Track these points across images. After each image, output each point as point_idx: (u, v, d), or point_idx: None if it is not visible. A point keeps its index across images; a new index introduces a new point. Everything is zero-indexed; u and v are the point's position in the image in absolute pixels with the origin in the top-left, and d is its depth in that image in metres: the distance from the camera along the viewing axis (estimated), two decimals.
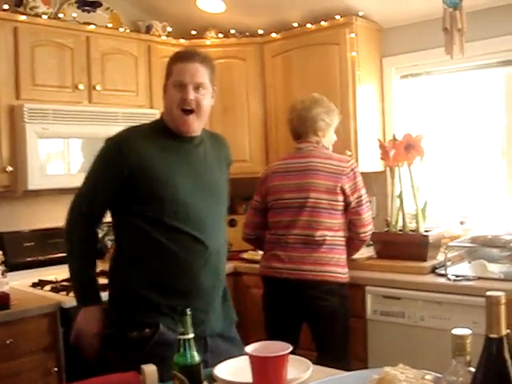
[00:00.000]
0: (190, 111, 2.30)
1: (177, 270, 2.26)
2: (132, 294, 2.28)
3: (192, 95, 2.28)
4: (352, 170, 3.11)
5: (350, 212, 3.12)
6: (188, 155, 2.38)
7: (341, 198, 3.07)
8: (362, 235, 3.17)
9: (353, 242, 3.22)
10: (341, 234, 3.13)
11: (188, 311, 1.44)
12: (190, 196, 2.29)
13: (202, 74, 2.31)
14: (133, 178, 2.25)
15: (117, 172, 2.27)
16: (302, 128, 3.21)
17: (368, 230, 3.17)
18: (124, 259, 2.36)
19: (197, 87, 2.30)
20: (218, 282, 2.38)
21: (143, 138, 2.34)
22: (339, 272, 3.08)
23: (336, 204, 3.07)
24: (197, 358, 1.45)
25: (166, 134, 2.35)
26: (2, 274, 3.30)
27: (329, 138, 3.27)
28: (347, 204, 3.10)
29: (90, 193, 2.37)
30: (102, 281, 2.60)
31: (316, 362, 1.84)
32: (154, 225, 2.25)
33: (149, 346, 2.20)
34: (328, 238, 3.06)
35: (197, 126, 2.35)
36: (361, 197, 3.12)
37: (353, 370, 1.75)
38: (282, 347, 1.54)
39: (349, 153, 3.78)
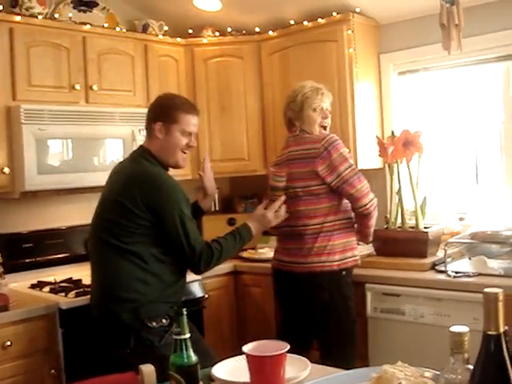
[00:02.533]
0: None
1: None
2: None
3: (195, 143, 2.85)
4: (326, 148, 2.99)
5: (340, 191, 3.01)
6: None
7: (314, 182, 2.99)
8: (363, 209, 3.01)
9: (360, 220, 3.10)
10: (330, 218, 3.02)
11: (184, 311, 1.43)
12: None
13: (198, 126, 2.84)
14: None
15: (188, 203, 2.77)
16: (292, 120, 3.21)
17: (366, 201, 2.99)
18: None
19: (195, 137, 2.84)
20: None
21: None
22: (328, 261, 2.98)
23: (313, 190, 3.01)
24: (193, 358, 1.44)
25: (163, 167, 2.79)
26: (1, 276, 3.30)
27: (307, 122, 3.15)
28: (328, 186, 2.99)
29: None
30: None
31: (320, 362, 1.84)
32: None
33: (168, 334, 2.48)
34: (310, 226, 3.01)
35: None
36: (342, 172, 2.97)
37: (352, 369, 1.74)
38: (279, 346, 1.53)
39: (347, 150, 3.76)
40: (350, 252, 3.07)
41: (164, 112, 2.74)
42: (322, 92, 3.18)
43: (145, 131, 2.84)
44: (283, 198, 2.98)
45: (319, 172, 2.98)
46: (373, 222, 3.13)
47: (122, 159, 3.10)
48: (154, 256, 2.61)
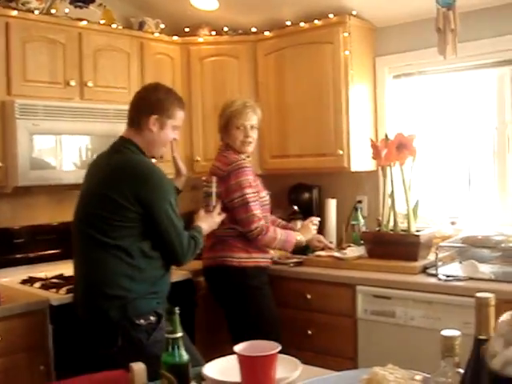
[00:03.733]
0: None
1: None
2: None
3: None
4: (229, 173, 3.25)
5: (231, 212, 3.26)
6: None
7: (223, 198, 3.23)
8: (248, 234, 3.26)
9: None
10: (229, 226, 3.27)
11: (176, 310, 1.43)
12: None
13: None
14: None
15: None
16: (220, 131, 3.49)
17: (248, 230, 3.24)
18: None
19: None
20: None
21: None
22: (232, 257, 3.28)
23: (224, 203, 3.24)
24: (185, 357, 1.44)
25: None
26: None
27: (230, 138, 3.40)
28: (225, 204, 3.23)
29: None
30: None
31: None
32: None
33: (156, 332, 2.52)
34: (217, 230, 3.20)
35: None
36: (234, 199, 3.24)
37: (342, 370, 1.74)
38: (270, 346, 1.53)
39: (340, 152, 3.78)
40: (247, 254, 3.32)
41: (161, 106, 2.74)
42: (248, 111, 3.39)
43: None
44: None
45: (222, 191, 3.23)
46: (263, 243, 3.33)
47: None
48: (141, 250, 2.58)
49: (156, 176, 2.63)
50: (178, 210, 2.71)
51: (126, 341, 2.51)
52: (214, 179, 3.13)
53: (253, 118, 3.39)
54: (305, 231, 3.53)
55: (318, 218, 3.65)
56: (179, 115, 2.80)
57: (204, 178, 3.20)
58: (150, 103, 2.75)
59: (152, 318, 2.56)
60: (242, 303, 3.29)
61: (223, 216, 3.14)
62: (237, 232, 3.28)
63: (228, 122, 3.38)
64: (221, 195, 3.20)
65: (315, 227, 3.59)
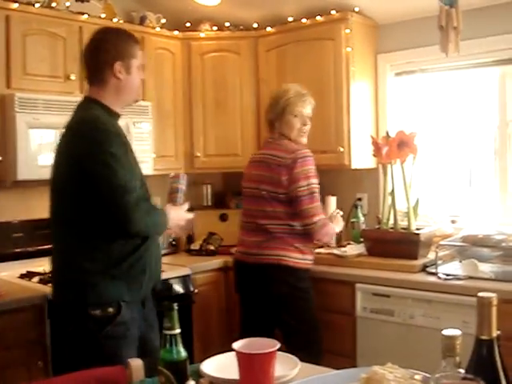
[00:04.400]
0: None
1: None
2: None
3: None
4: (293, 161, 3.11)
5: (292, 203, 3.13)
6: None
7: (280, 190, 3.13)
8: (305, 227, 3.14)
9: (307, 233, 3.19)
10: (284, 222, 3.15)
11: (175, 306, 1.42)
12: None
13: None
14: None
15: (127, 146, 2.44)
16: (272, 121, 3.32)
17: (308, 222, 3.12)
18: None
19: None
20: None
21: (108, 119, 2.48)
22: (288, 256, 3.12)
23: (275, 195, 3.14)
24: (183, 353, 1.42)
25: (111, 112, 2.50)
26: None
27: (286, 126, 3.26)
28: (287, 195, 3.12)
29: (135, 178, 2.40)
30: None
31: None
32: None
33: (110, 326, 2.33)
34: (269, 225, 3.15)
35: None
36: (298, 188, 3.09)
37: (341, 368, 1.73)
38: (269, 344, 1.52)
39: (341, 149, 3.77)
40: (306, 255, 3.20)
41: (120, 50, 2.48)
42: (305, 99, 3.28)
43: (93, 86, 2.51)
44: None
45: (283, 181, 3.11)
46: (321, 237, 3.22)
47: None
48: (99, 224, 2.33)
49: (96, 128, 2.33)
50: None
51: (77, 329, 2.34)
52: (183, 176, 2.76)
53: (308, 107, 3.29)
54: (336, 222, 3.40)
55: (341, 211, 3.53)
56: (140, 52, 2.55)
57: (172, 175, 2.80)
58: (107, 52, 2.46)
59: (111, 309, 2.33)
60: (291, 305, 3.15)
61: (192, 215, 2.76)
62: (293, 229, 3.15)
63: (284, 110, 3.24)
64: (282, 184, 3.11)
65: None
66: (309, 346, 3.08)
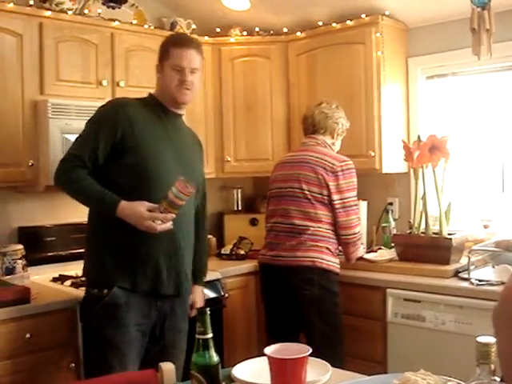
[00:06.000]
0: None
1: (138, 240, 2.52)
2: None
3: (189, 78, 2.64)
4: (342, 170, 3.17)
5: (335, 212, 3.16)
6: (175, 131, 2.71)
7: (325, 191, 3.14)
8: (346, 237, 3.20)
9: (341, 244, 3.25)
10: (323, 225, 3.16)
11: (207, 310, 1.42)
12: (170, 171, 2.57)
13: (196, 60, 2.67)
14: (123, 141, 2.52)
15: (111, 130, 2.53)
16: (320, 124, 3.32)
17: (350, 232, 3.18)
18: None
19: (192, 71, 2.65)
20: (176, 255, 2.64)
21: (137, 107, 2.65)
22: (322, 258, 3.12)
23: (321, 197, 3.15)
24: (215, 358, 1.43)
25: (156, 107, 2.69)
26: (23, 269, 3.32)
27: (337, 143, 3.40)
28: (331, 200, 3.14)
29: (88, 148, 2.53)
30: None
31: None
32: (131, 193, 2.49)
33: (99, 306, 2.52)
34: (310, 227, 3.13)
35: (190, 98, 2.71)
36: (345, 198, 3.16)
37: (371, 374, 1.72)
38: (301, 349, 1.52)
39: (372, 153, 3.75)
40: (337, 258, 3.23)
41: (160, 51, 2.73)
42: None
43: None
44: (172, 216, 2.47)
45: (330, 186, 3.13)
46: (353, 250, 3.27)
47: None
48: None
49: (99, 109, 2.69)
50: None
51: (81, 305, 2.73)
52: (179, 183, 2.41)
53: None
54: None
55: None
56: (175, 53, 2.64)
57: (190, 190, 2.44)
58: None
59: (105, 290, 2.52)
60: (324, 309, 3.14)
61: (165, 227, 2.46)
62: (331, 233, 3.18)
63: (339, 118, 3.39)
64: (329, 188, 3.13)
65: None
66: (335, 351, 3.07)
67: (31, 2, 3.30)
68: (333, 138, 3.36)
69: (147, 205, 2.44)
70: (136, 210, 2.43)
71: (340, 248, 3.28)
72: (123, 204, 2.44)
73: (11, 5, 3.20)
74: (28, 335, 2.79)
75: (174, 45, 2.67)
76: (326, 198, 3.14)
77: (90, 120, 2.63)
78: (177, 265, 2.63)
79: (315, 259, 3.11)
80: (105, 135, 2.52)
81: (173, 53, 2.64)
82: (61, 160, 2.57)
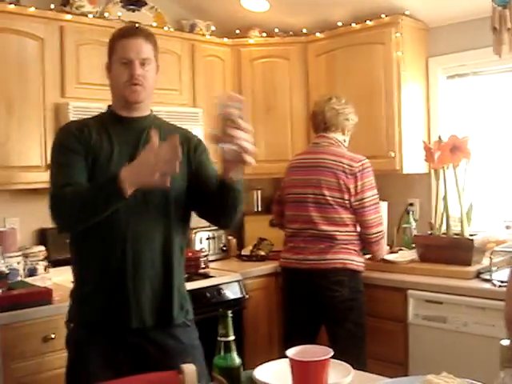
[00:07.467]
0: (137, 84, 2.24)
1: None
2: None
3: (139, 71, 2.21)
4: (361, 170, 3.16)
5: (356, 212, 3.17)
6: (137, 142, 2.25)
7: (346, 196, 3.14)
8: (369, 236, 3.21)
9: (365, 243, 3.27)
10: (350, 228, 3.19)
11: (229, 313, 1.43)
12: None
13: (146, 49, 2.24)
14: (88, 159, 2.17)
15: (77, 151, 2.17)
16: (331, 120, 3.31)
17: (373, 231, 3.19)
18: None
19: (142, 63, 2.23)
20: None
21: (92, 123, 2.27)
22: (352, 260, 3.16)
23: (342, 202, 3.15)
24: (237, 360, 1.44)
25: (114, 120, 2.29)
26: (45, 270, 3.35)
27: (343, 130, 3.35)
28: (351, 202, 3.16)
29: (72, 173, 2.16)
30: None
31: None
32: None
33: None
34: (337, 231, 3.16)
35: (143, 96, 2.26)
36: (364, 198, 3.16)
37: (393, 376, 1.71)
38: (323, 351, 1.52)
39: (392, 154, 3.73)
40: (362, 258, 3.26)
41: (107, 49, 2.30)
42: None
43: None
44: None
45: (351, 189, 3.14)
46: (377, 249, 3.29)
47: None
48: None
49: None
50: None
51: None
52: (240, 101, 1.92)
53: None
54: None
55: None
56: (120, 45, 2.23)
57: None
58: None
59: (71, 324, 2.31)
60: (354, 309, 3.14)
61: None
62: (356, 235, 3.21)
63: (349, 115, 3.38)
64: (350, 191, 3.14)
65: None
66: (360, 351, 3.08)
67: (52, 6, 3.33)
68: (344, 134, 3.35)
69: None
70: (135, 165, 2.01)
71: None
72: (123, 175, 1.98)
73: (32, 9, 3.24)
74: (52, 336, 2.82)
75: (119, 37, 2.26)
76: (347, 201, 3.15)
77: (53, 155, 2.25)
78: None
79: (346, 261, 3.13)
80: (76, 161, 2.18)
81: (118, 45, 2.24)
82: (50, 197, 2.15)
